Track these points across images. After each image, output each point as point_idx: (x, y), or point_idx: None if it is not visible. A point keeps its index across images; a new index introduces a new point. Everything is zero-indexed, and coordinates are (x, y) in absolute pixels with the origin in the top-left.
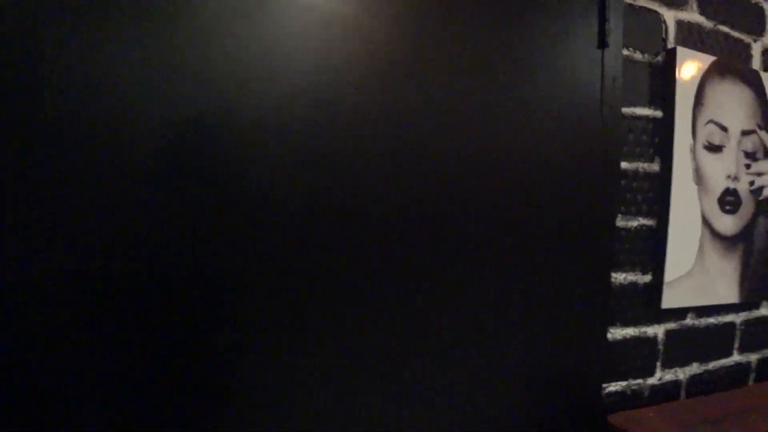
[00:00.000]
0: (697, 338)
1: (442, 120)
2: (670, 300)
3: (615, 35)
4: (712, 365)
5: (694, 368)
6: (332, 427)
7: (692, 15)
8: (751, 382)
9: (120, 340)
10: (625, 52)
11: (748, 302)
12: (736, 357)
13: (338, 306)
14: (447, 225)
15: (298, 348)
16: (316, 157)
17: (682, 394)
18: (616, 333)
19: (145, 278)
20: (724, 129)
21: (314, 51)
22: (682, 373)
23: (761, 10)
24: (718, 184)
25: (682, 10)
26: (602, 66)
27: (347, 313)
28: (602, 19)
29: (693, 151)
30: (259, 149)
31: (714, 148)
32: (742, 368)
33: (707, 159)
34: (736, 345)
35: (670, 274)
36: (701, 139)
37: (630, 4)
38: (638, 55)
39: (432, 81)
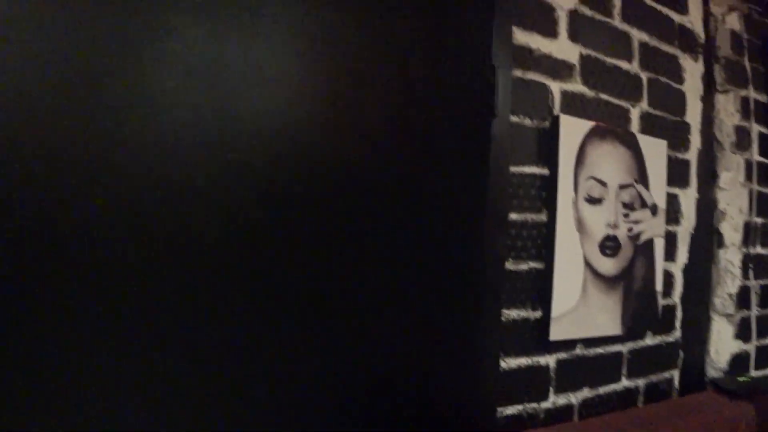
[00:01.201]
0: (587, 366)
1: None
2: (557, 333)
3: (503, 107)
4: (602, 390)
5: (585, 393)
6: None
7: (576, 86)
8: (640, 404)
9: None
10: (516, 119)
11: (633, 333)
12: (624, 382)
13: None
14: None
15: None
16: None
17: (575, 416)
18: (510, 362)
19: None
20: (603, 184)
21: None
22: (574, 398)
23: (639, 80)
24: (599, 231)
25: (567, 82)
26: (492, 133)
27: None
28: (492, 95)
29: (575, 203)
30: None
31: (594, 201)
32: (631, 392)
33: (588, 210)
34: (624, 371)
35: (556, 310)
36: (582, 193)
37: (521, 78)
38: (527, 121)
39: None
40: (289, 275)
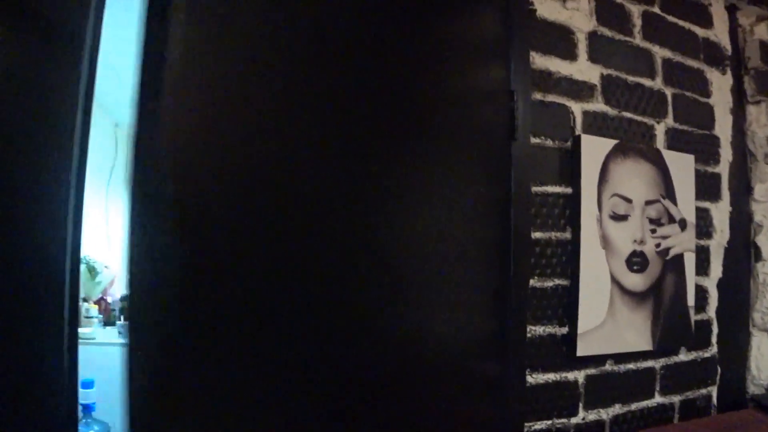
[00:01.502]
0: (618, 382)
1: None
2: (584, 349)
3: (523, 130)
4: (635, 406)
5: (617, 409)
6: None
7: (597, 105)
8: (676, 421)
9: None
10: (537, 140)
11: (665, 349)
12: (658, 398)
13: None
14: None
15: None
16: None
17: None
18: (538, 378)
19: None
20: (629, 200)
21: None
22: (605, 414)
23: (664, 96)
24: (625, 247)
25: (588, 102)
26: (513, 155)
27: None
28: (511, 119)
29: (599, 220)
30: None
31: (619, 217)
32: (665, 408)
33: (613, 227)
34: (658, 388)
35: (583, 326)
36: (607, 210)
37: (541, 100)
38: (549, 142)
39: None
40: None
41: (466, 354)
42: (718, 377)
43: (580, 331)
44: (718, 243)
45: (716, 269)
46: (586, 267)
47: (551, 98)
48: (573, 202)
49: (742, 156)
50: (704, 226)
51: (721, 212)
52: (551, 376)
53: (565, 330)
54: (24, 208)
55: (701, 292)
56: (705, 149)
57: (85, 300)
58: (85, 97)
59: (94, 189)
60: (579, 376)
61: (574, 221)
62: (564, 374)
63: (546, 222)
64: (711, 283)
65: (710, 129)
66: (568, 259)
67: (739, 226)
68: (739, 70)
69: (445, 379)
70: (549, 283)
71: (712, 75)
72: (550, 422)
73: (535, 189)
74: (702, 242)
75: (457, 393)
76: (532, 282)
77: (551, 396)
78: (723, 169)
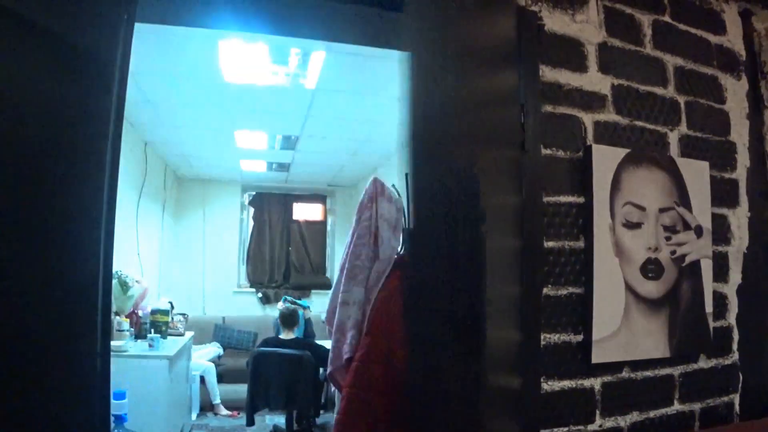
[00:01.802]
0: (635, 389)
1: None
2: (599, 356)
3: (534, 141)
4: (653, 413)
5: (635, 416)
6: None
7: (609, 116)
8: (696, 429)
9: None
10: (548, 151)
11: (683, 356)
12: (677, 406)
13: None
14: None
15: None
16: None
17: None
18: (554, 385)
19: None
20: (642, 208)
21: None
22: (623, 421)
23: (677, 104)
24: (639, 255)
25: (599, 112)
26: (523, 166)
27: None
28: (521, 131)
29: (612, 229)
30: None
31: (632, 225)
32: (685, 416)
33: (626, 235)
34: (677, 395)
35: (597, 333)
36: (620, 218)
37: (552, 112)
38: (560, 153)
39: None
40: None
41: (478, 362)
42: (740, 384)
43: (595, 338)
44: (737, 249)
45: (735, 275)
46: (600, 275)
47: (562, 110)
48: (585, 211)
49: (761, 161)
50: (722, 232)
51: (739, 218)
52: (567, 383)
53: (580, 337)
54: (60, 226)
55: (720, 299)
56: (721, 155)
57: (117, 314)
58: (116, 121)
59: (124, 205)
60: (595, 383)
61: (587, 230)
62: (580, 381)
63: (559, 231)
64: (730, 290)
65: (726, 135)
66: (582, 267)
67: (759, 231)
68: (754, 74)
69: (455, 387)
70: (563, 292)
71: (727, 81)
72: (566, 429)
73: (547, 199)
74: (720, 248)
75: (473, 401)
76: (546, 290)
77: (567, 403)
78: (740, 174)
